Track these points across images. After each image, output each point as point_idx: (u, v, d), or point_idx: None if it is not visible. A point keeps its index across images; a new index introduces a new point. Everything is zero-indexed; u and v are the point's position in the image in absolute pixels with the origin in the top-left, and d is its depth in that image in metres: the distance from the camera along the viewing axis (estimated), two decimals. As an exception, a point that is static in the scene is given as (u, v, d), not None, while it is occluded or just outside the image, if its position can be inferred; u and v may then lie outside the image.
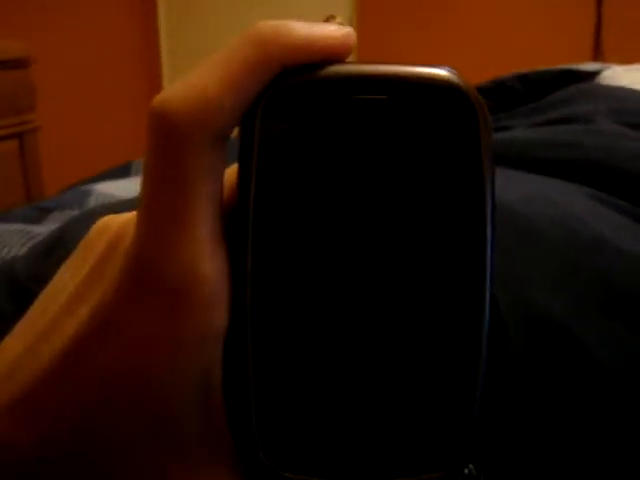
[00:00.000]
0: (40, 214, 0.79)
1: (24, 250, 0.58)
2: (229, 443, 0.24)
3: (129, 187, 0.83)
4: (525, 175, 0.50)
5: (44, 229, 0.67)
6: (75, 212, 0.75)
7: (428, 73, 0.23)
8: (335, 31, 0.23)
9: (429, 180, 0.23)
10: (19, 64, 1.70)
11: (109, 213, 0.26)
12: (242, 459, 0.24)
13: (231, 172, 0.24)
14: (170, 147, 0.22)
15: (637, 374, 0.35)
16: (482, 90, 0.93)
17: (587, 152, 0.52)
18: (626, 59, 1.08)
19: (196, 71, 0.22)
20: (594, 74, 0.92)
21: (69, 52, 2.36)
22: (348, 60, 0.24)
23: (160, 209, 0.22)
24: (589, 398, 0.35)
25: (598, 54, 2.21)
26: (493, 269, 0.24)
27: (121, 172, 0.98)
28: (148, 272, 0.22)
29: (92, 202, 0.79)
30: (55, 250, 0.47)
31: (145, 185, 0.22)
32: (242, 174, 0.23)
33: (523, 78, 0.93)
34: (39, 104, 1.78)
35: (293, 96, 0.23)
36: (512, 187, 0.44)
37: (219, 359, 0.23)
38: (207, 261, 0.22)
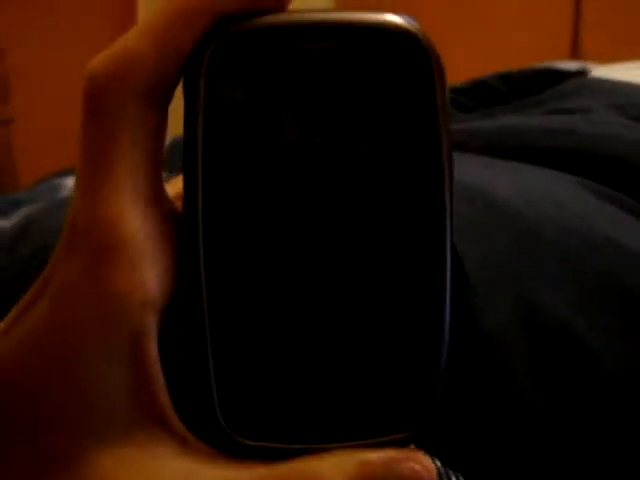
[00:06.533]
0: (9, 207, 0.78)
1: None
2: (162, 415, 0.23)
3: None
4: (523, 168, 0.48)
5: (9, 223, 0.65)
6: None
7: (378, 19, 0.22)
8: None
9: (382, 130, 0.22)
10: (-8, 55, 1.67)
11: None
12: (199, 429, 0.23)
13: None
14: (92, 105, 0.22)
15: (638, 379, 0.34)
16: (461, 90, 0.92)
17: (586, 141, 0.50)
18: (604, 58, 1.08)
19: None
20: (576, 73, 0.91)
21: (44, 44, 2.33)
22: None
23: (84, 167, 0.22)
24: (591, 400, 0.34)
25: (576, 52, 2.22)
26: (452, 220, 0.23)
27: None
28: (76, 229, 0.22)
29: (62, 196, 0.77)
30: (20, 246, 0.45)
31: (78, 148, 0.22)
32: (188, 130, 0.22)
33: (505, 77, 0.93)
34: (13, 96, 1.76)
35: (239, 46, 0.22)
36: (509, 183, 0.43)
37: (151, 327, 0.22)
38: (132, 220, 0.22)
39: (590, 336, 0.35)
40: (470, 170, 0.42)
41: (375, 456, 0.23)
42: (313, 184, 0.22)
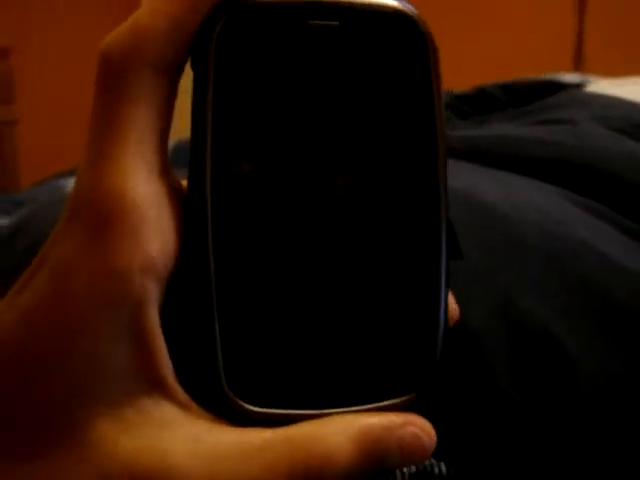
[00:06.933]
0: (11, 206, 0.78)
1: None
2: (163, 381, 0.23)
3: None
4: (507, 176, 0.49)
5: (9, 221, 0.66)
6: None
7: (379, 1, 0.24)
8: None
9: (380, 105, 0.24)
10: (-2, 54, 1.68)
11: None
12: (202, 396, 0.23)
13: None
14: (106, 77, 0.22)
15: (616, 382, 0.35)
16: (462, 97, 0.93)
17: (571, 152, 0.51)
18: (608, 70, 1.08)
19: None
20: (576, 86, 0.92)
21: (49, 43, 2.34)
22: None
23: (93, 138, 0.22)
24: (569, 402, 0.35)
25: (579, 64, 2.22)
26: (447, 192, 0.24)
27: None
28: (79, 199, 0.22)
29: (63, 194, 0.77)
30: (17, 240, 0.46)
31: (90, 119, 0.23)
32: (197, 101, 0.23)
33: (505, 87, 0.93)
34: (18, 96, 1.76)
35: (249, 20, 0.23)
36: (496, 189, 0.44)
37: (152, 295, 0.22)
38: (136, 187, 0.22)
39: (570, 340, 0.35)
40: (457, 174, 0.42)
41: (376, 420, 0.23)
42: (316, 156, 0.23)
